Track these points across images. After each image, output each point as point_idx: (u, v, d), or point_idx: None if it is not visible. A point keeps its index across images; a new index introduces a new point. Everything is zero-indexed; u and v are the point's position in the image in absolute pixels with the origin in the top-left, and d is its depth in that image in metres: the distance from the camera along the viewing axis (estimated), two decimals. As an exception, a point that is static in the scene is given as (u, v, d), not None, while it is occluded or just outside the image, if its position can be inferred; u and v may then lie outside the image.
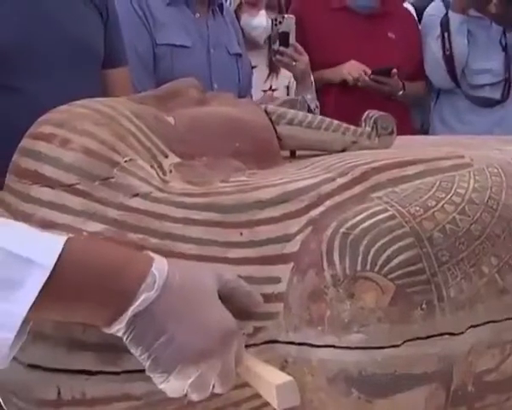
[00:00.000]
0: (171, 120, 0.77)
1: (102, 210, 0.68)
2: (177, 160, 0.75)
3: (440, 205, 0.77)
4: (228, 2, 2.11)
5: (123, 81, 1.50)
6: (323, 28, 2.16)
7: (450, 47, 2.23)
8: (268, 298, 0.71)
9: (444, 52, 2.24)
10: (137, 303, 0.59)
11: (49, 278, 0.56)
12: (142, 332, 0.60)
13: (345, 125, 0.95)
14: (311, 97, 1.93)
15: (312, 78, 2.06)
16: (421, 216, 0.75)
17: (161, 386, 0.62)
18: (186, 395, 0.64)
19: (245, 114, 0.84)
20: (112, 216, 0.68)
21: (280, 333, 0.71)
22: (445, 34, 2.23)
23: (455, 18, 2.24)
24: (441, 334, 0.74)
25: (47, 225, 0.69)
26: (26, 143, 0.74)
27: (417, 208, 0.76)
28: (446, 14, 2.26)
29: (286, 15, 2.04)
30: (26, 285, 0.55)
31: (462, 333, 0.74)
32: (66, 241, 0.58)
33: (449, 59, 2.24)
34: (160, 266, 0.61)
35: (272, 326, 0.71)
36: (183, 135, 0.77)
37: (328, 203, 0.75)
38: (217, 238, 0.70)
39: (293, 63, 2.01)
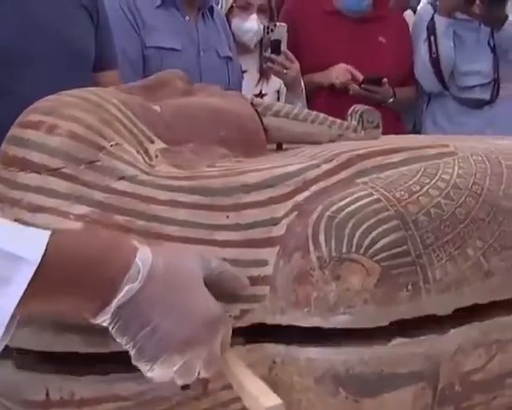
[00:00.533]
0: (157, 108, 0.78)
1: (88, 193, 0.69)
2: (163, 145, 0.75)
3: (425, 190, 0.77)
4: (219, 5, 2.11)
5: (113, 84, 1.50)
6: (315, 32, 2.17)
7: (437, 50, 2.24)
8: (254, 281, 0.71)
9: (430, 55, 2.25)
10: (121, 295, 0.59)
11: (36, 272, 0.56)
12: (126, 323, 0.60)
13: (331, 118, 0.95)
14: (301, 105, 1.94)
15: (303, 85, 2.07)
16: (406, 200, 0.76)
17: (148, 374, 0.63)
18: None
19: (231, 104, 0.84)
20: (98, 199, 0.68)
21: (267, 315, 0.71)
22: (431, 38, 2.25)
23: (441, 21, 2.26)
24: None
25: (34, 210, 0.69)
26: (14, 131, 0.74)
27: (402, 193, 0.76)
28: (432, 17, 2.28)
29: (278, 23, 2.05)
30: (13, 281, 0.56)
31: (450, 326, 0.75)
32: (51, 235, 0.59)
33: (435, 62, 2.25)
34: (143, 256, 0.61)
35: (259, 309, 0.71)
36: (169, 122, 0.77)
37: (313, 188, 0.76)
38: (203, 221, 0.70)
39: (284, 71, 2.02)
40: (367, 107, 0.99)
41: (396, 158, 0.82)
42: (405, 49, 2.31)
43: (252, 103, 0.88)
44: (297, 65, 2.02)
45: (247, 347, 0.70)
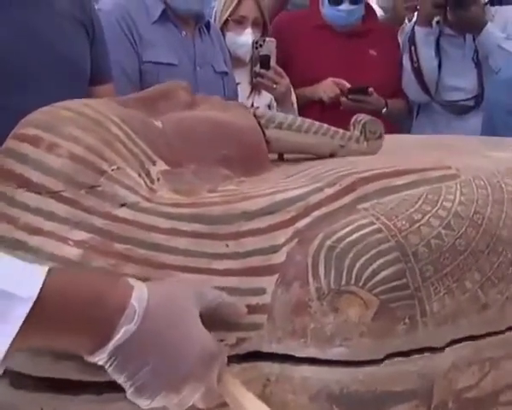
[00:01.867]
0: (159, 124, 0.75)
1: (88, 219, 0.67)
2: (165, 167, 0.73)
3: (426, 219, 0.76)
4: (213, 19, 2.09)
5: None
6: (305, 46, 2.17)
7: (418, 59, 2.26)
8: (252, 309, 0.70)
9: (412, 65, 2.27)
10: (118, 337, 0.59)
11: (32, 311, 0.55)
12: (123, 363, 0.60)
13: (333, 128, 0.93)
14: None
15: (294, 99, 2.06)
16: (407, 230, 0.74)
17: (143, 406, 0.62)
18: None
19: (234, 118, 0.82)
20: (98, 225, 0.67)
21: (263, 344, 0.71)
22: (412, 47, 2.27)
23: (420, 31, 2.28)
24: (423, 348, 0.73)
25: (32, 232, 0.67)
26: (10, 143, 0.71)
27: (403, 222, 0.75)
28: (413, 28, 2.31)
29: (267, 39, 2.03)
30: (8, 320, 0.55)
31: (443, 348, 0.74)
32: (48, 273, 0.58)
33: (417, 71, 2.27)
34: (139, 296, 0.60)
35: (256, 337, 0.70)
36: (171, 140, 0.75)
37: (315, 214, 0.74)
38: (203, 250, 0.69)
39: (274, 86, 2.01)
40: (370, 117, 0.97)
41: (398, 181, 0.81)
42: (396, 61, 2.30)
43: (255, 115, 0.86)
44: (287, 80, 2.02)
45: (242, 365, 0.70)
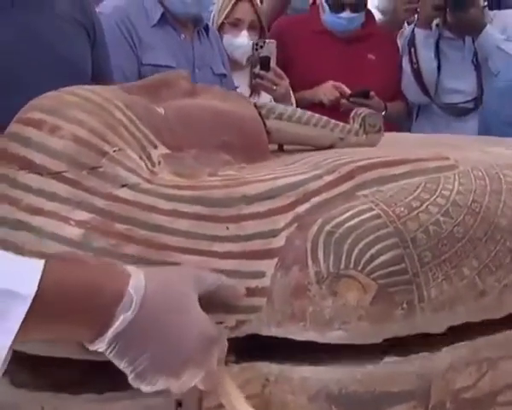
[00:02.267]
0: (161, 110, 0.75)
1: (90, 199, 0.67)
2: (166, 151, 0.73)
3: (425, 206, 0.76)
4: (211, 22, 2.11)
5: None
6: (305, 51, 2.19)
7: (417, 61, 2.28)
8: (252, 292, 0.70)
9: (412, 66, 2.28)
10: (116, 325, 0.59)
11: (31, 306, 0.56)
12: (123, 350, 0.60)
13: (333, 121, 0.93)
14: None
15: (294, 101, 2.07)
16: (406, 216, 0.74)
17: (144, 390, 0.62)
18: None
19: (235, 107, 0.82)
20: (99, 205, 0.67)
21: (262, 327, 0.70)
22: (412, 49, 2.28)
23: (420, 33, 2.30)
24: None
25: (34, 212, 0.67)
26: (14, 127, 0.72)
27: (402, 209, 0.75)
28: (413, 30, 2.33)
29: (267, 40, 2.04)
30: (9, 317, 0.55)
31: (442, 345, 0.74)
32: (45, 266, 0.58)
33: (417, 73, 2.29)
34: (136, 284, 0.60)
35: (255, 320, 0.70)
36: (172, 126, 0.75)
37: (314, 200, 0.74)
38: (204, 232, 0.68)
39: (274, 87, 2.02)
40: (369, 110, 0.97)
41: (397, 170, 0.81)
42: (394, 65, 2.32)
43: (255, 106, 0.86)
44: (286, 81, 2.03)
45: (241, 365, 0.69)
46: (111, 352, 0.60)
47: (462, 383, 0.76)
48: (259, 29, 2.10)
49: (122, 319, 0.59)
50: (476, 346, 0.77)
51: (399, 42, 2.45)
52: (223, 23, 2.08)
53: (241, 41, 2.06)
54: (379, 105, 2.16)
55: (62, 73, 1.36)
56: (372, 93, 2.13)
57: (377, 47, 2.25)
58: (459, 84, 2.28)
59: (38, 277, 0.56)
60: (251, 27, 2.07)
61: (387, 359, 0.71)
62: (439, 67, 2.28)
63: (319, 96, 2.15)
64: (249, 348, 0.69)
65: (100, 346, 0.60)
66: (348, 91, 2.14)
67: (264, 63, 2.00)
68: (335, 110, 2.09)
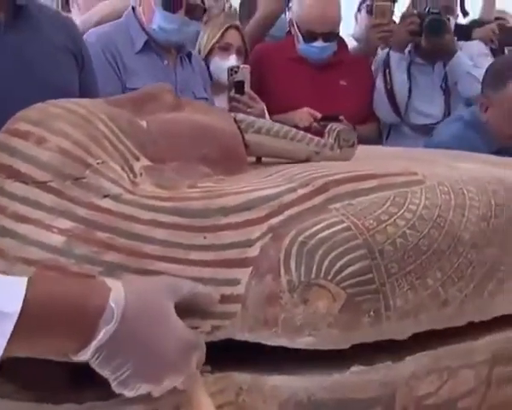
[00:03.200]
0: (144, 124, 0.76)
1: (73, 208, 0.68)
2: (148, 163, 0.74)
3: (392, 219, 0.77)
4: (197, 48, 2.14)
5: None
6: (280, 77, 2.24)
7: (391, 82, 2.34)
8: (227, 299, 0.71)
9: (385, 87, 2.34)
10: (99, 337, 0.60)
11: (17, 324, 0.56)
12: (106, 360, 0.61)
13: (309, 135, 0.95)
14: None
15: None
16: (375, 229, 0.76)
17: (128, 396, 0.63)
18: None
19: (215, 121, 0.83)
20: (82, 215, 0.67)
21: (236, 332, 0.71)
22: (386, 70, 2.35)
23: (394, 56, 2.36)
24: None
25: (20, 220, 0.68)
26: (1, 138, 0.72)
27: (371, 222, 0.76)
28: (388, 53, 2.38)
29: (241, 66, 2.08)
30: None
31: (405, 354, 0.75)
32: (28, 283, 0.58)
33: (390, 93, 2.34)
34: (116, 297, 0.61)
35: (230, 325, 0.71)
36: (154, 139, 0.76)
37: (288, 212, 0.75)
38: (181, 241, 0.69)
39: (248, 110, 2.04)
40: (343, 126, 0.98)
41: (368, 185, 0.82)
42: (366, 90, 2.37)
43: (235, 120, 0.87)
44: (261, 105, 2.07)
45: (215, 375, 0.70)
46: (95, 362, 0.61)
47: (424, 390, 0.77)
48: (245, 53, 2.15)
49: (104, 332, 0.60)
50: (437, 355, 0.78)
51: (374, 65, 2.49)
52: (212, 48, 2.12)
53: (230, 64, 2.10)
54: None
55: (51, 98, 1.35)
56: (341, 117, 2.16)
57: (349, 73, 2.31)
58: (428, 107, 2.36)
59: (23, 294, 0.57)
60: (238, 52, 2.12)
61: (354, 368, 0.73)
62: (409, 90, 2.33)
63: (295, 121, 2.18)
64: (223, 359, 0.70)
65: (84, 357, 0.61)
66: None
67: (239, 87, 2.04)
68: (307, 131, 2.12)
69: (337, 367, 0.72)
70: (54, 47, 1.41)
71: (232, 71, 2.06)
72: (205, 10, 2.23)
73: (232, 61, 2.10)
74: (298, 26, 2.27)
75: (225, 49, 2.12)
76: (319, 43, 2.23)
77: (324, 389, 0.71)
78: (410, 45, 2.37)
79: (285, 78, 2.21)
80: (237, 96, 2.04)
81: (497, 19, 2.74)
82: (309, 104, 2.19)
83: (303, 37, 2.25)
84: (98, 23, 2.00)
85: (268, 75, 2.20)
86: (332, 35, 2.26)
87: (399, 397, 0.74)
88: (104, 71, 1.79)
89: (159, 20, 1.88)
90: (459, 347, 0.80)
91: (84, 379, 0.64)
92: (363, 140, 2.21)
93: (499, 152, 1.94)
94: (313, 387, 0.71)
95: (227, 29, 2.12)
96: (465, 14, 2.66)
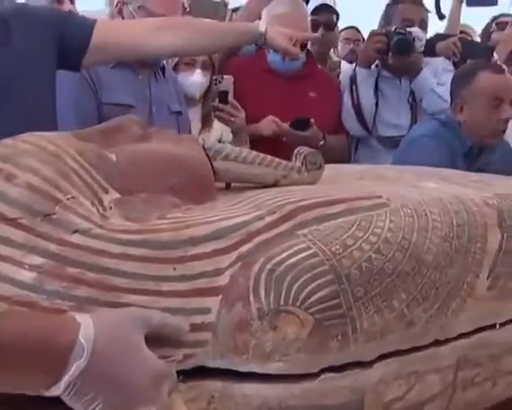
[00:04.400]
0: (112, 156, 0.75)
1: (43, 244, 0.66)
2: (117, 195, 0.73)
3: (358, 244, 0.78)
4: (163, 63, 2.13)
5: None
6: (252, 88, 2.21)
7: (358, 97, 2.34)
8: (198, 327, 0.70)
9: (352, 102, 2.34)
10: (70, 373, 0.59)
11: None
12: (78, 395, 0.60)
13: (277, 160, 0.94)
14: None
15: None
16: (341, 254, 0.76)
17: None
18: None
19: (184, 150, 0.82)
20: (52, 250, 0.66)
21: (208, 360, 0.71)
22: (353, 87, 2.35)
23: (361, 72, 2.37)
24: (354, 363, 0.75)
25: (-10, 256, 0.66)
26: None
27: (337, 247, 0.76)
28: (355, 69, 2.39)
29: (225, 76, 2.07)
30: None
31: (373, 362, 0.75)
32: (1, 319, 0.58)
33: (357, 108, 2.35)
34: (86, 332, 0.61)
35: (201, 353, 0.70)
36: (123, 171, 0.75)
37: (256, 240, 0.75)
38: (151, 273, 0.69)
39: (232, 119, 2.05)
40: (310, 149, 0.98)
41: (334, 209, 0.82)
42: (335, 101, 2.37)
43: (203, 148, 0.86)
44: (243, 114, 2.06)
45: (188, 384, 0.70)
46: (67, 396, 0.60)
47: (392, 395, 0.78)
48: (211, 68, 2.14)
49: (76, 367, 0.59)
50: (405, 361, 0.79)
51: (341, 79, 2.51)
52: (177, 63, 2.10)
53: (195, 79, 2.09)
54: (317, 135, 2.20)
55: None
56: (312, 120, 2.17)
57: (318, 85, 2.31)
58: (395, 120, 2.36)
59: None
60: (203, 66, 2.11)
61: (323, 375, 0.73)
62: (377, 104, 2.34)
63: (260, 130, 2.18)
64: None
65: (56, 392, 0.60)
66: (284, 125, 2.17)
67: (223, 97, 2.04)
68: (279, 142, 2.12)
69: (307, 375, 0.72)
70: (23, 56, 1.35)
71: (216, 81, 2.06)
72: None
73: (197, 75, 2.09)
74: None
75: (190, 64, 2.10)
76: None
77: (295, 397, 0.71)
78: (377, 61, 2.39)
79: (256, 90, 2.21)
80: (221, 105, 2.04)
81: (461, 32, 2.78)
82: (279, 115, 2.19)
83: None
84: None
85: (240, 87, 2.19)
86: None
87: (368, 403, 0.75)
88: (80, 86, 1.77)
89: None
90: (426, 352, 0.81)
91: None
92: (333, 150, 2.25)
93: (472, 151, 1.99)
94: (284, 395, 0.71)
95: None
96: (441, 17, 2.68)
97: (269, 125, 2.17)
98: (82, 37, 1.43)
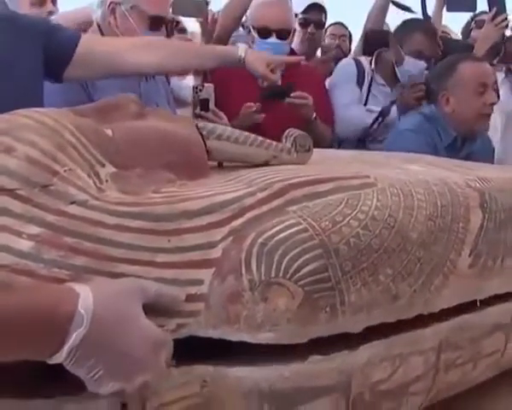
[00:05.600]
0: (109, 132, 0.75)
1: (41, 215, 0.66)
2: (114, 170, 0.73)
3: (346, 220, 0.78)
4: None
5: None
6: (236, 91, 2.20)
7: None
8: (191, 298, 0.70)
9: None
10: (71, 341, 0.60)
11: None
12: (79, 362, 0.61)
13: (268, 141, 0.94)
14: None
15: None
16: (330, 230, 0.76)
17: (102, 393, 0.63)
18: None
19: (178, 128, 0.82)
20: (49, 221, 0.66)
21: (200, 329, 0.71)
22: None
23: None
24: (341, 341, 0.75)
25: (-11, 226, 0.66)
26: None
27: (327, 223, 0.77)
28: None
29: (206, 84, 2.07)
30: None
31: (360, 343, 0.76)
32: (4, 293, 0.59)
33: None
34: (85, 302, 0.61)
35: (194, 323, 0.71)
36: (119, 147, 0.75)
37: (248, 215, 0.75)
38: (146, 244, 0.69)
39: None
40: (300, 131, 0.99)
41: (324, 188, 0.82)
42: (319, 96, 2.32)
43: (197, 127, 0.86)
44: (225, 120, 2.06)
45: (181, 368, 0.70)
46: (69, 364, 0.60)
47: (378, 376, 0.78)
48: (203, 73, 2.15)
49: (75, 336, 0.59)
50: (390, 344, 0.79)
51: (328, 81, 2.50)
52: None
53: (187, 83, 2.14)
54: (311, 108, 2.17)
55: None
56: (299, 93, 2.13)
57: (300, 85, 2.26)
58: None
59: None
60: (195, 71, 2.13)
61: (312, 358, 0.73)
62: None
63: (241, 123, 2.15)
64: (188, 352, 0.70)
65: (58, 360, 0.60)
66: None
67: (204, 105, 2.03)
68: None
69: (296, 358, 0.73)
70: (10, 65, 1.35)
71: (197, 89, 2.06)
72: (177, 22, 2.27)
73: (190, 79, 2.11)
74: (253, 27, 2.28)
75: None
76: (273, 40, 2.24)
77: (285, 379, 0.71)
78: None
79: (240, 91, 2.22)
80: (202, 113, 2.04)
81: (443, 33, 2.81)
82: (264, 117, 2.19)
83: (258, 32, 2.25)
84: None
85: (226, 91, 2.21)
86: (285, 32, 2.26)
87: (355, 384, 0.75)
88: (72, 84, 1.75)
89: None
90: (409, 335, 0.81)
91: (55, 373, 0.62)
92: (318, 134, 2.23)
93: (455, 142, 2.00)
94: (274, 377, 0.71)
95: None
96: (427, 19, 2.70)
97: (246, 111, 2.16)
98: (66, 49, 1.45)
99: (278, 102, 2.12)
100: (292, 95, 2.13)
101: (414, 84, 2.35)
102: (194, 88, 2.06)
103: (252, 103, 2.15)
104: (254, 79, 2.25)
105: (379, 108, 2.35)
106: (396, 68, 2.39)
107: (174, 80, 2.11)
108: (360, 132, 2.33)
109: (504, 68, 2.70)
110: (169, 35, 2.15)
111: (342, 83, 2.43)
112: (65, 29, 1.53)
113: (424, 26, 2.45)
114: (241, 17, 2.41)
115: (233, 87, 2.22)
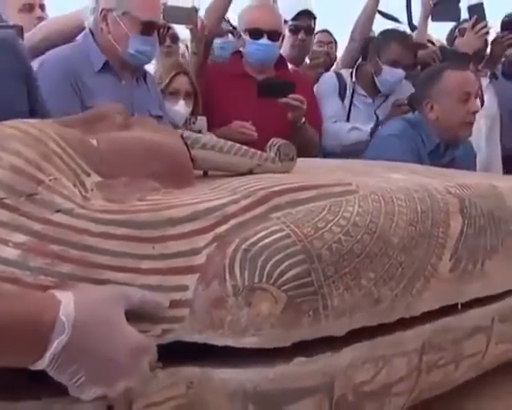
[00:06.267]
0: (94, 142, 0.75)
1: (27, 223, 0.66)
2: (99, 179, 0.73)
3: (329, 226, 0.78)
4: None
5: None
6: (226, 92, 2.23)
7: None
8: (176, 304, 0.71)
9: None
10: (53, 348, 0.60)
11: None
12: (61, 369, 0.61)
13: (252, 150, 0.95)
14: None
15: None
16: (312, 236, 0.76)
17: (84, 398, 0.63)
18: None
19: (164, 138, 0.83)
20: (35, 229, 0.66)
21: (185, 335, 0.71)
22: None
23: None
24: (325, 344, 0.75)
25: (-25, 235, 0.66)
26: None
27: (309, 229, 0.77)
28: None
29: (199, 117, 2.11)
30: None
31: (343, 345, 0.76)
32: None
33: None
34: (66, 310, 0.61)
35: (179, 328, 0.71)
36: (104, 156, 0.75)
37: (232, 222, 0.76)
38: (131, 251, 0.69)
39: None
40: (284, 141, 0.99)
41: (306, 195, 0.83)
42: (308, 101, 2.32)
43: (182, 136, 0.87)
44: None
45: (167, 370, 0.70)
46: (51, 370, 0.60)
47: (361, 378, 0.79)
48: (194, 96, 2.15)
49: (57, 343, 0.59)
50: (373, 346, 0.80)
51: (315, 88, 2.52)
52: (162, 91, 2.11)
53: (179, 109, 2.11)
54: (303, 111, 2.18)
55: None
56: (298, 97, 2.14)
57: None
58: (362, 127, 2.37)
59: None
60: (187, 96, 2.13)
61: (296, 360, 0.73)
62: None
63: (228, 135, 2.19)
64: (174, 355, 0.70)
65: (41, 367, 0.60)
66: (254, 134, 2.16)
67: None
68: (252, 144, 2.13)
69: (281, 360, 0.73)
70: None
71: (190, 121, 2.10)
72: (168, 28, 2.29)
73: (181, 106, 2.11)
74: (245, 30, 2.31)
75: (174, 94, 2.13)
76: (265, 41, 2.26)
77: (269, 381, 0.71)
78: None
79: (230, 93, 2.23)
80: None
81: (428, 42, 2.83)
82: (252, 117, 2.20)
83: (249, 34, 2.28)
84: (44, 40, 1.95)
85: (216, 91, 2.22)
86: (276, 34, 2.29)
87: (338, 385, 0.76)
88: (65, 90, 1.77)
89: (136, 45, 1.87)
90: (392, 337, 0.82)
91: (43, 375, 0.62)
92: (306, 137, 2.24)
93: (438, 148, 2.02)
94: (259, 379, 0.71)
95: (175, 75, 2.12)
96: (413, 28, 2.73)
97: (237, 129, 2.17)
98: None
99: (273, 99, 2.12)
100: (290, 96, 2.15)
101: (399, 104, 2.38)
102: (188, 120, 2.09)
103: (244, 123, 2.16)
104: (246, 76, 2.28)
105: (363, 126, 2.37)
106: (375, 78, 2.41)
107: (167, 106, 2.10)
108: (341, 149, 2.34)
109: (489, 74, 2.73)
110: (161, 41, 2.16)
111: (325, 96, 2.45)
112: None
113: (400, 36, 2.48)
114: (223, 16, 2.43)
115: (224, 86, 2.23)
